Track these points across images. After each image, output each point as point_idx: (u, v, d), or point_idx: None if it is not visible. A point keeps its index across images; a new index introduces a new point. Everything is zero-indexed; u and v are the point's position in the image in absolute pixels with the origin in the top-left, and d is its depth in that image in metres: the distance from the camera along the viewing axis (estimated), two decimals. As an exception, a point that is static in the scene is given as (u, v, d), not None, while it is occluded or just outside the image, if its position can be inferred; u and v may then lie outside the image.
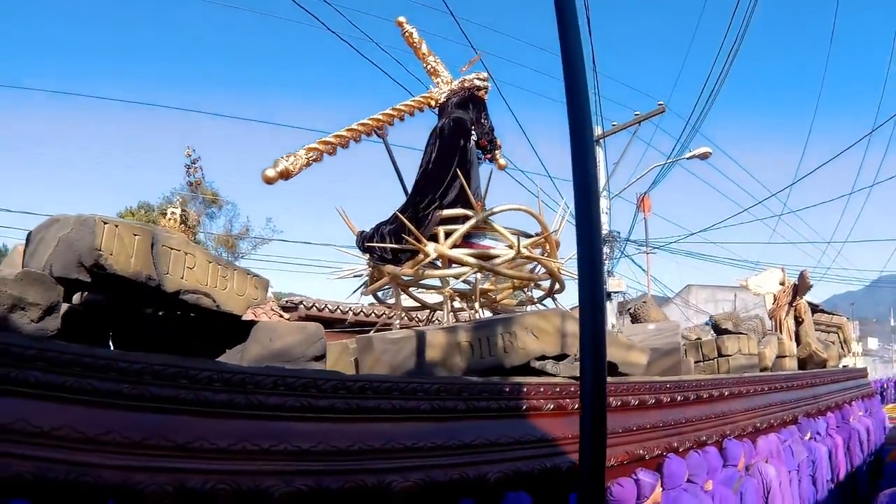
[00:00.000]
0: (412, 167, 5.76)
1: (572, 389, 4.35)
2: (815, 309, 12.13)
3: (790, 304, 10.74)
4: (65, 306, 3.16)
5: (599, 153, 18.27)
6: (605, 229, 17.52)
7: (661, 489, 4.48)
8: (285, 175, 4.34)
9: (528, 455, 3.77)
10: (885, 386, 29.62)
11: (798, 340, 10.71)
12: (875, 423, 10.89)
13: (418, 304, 6.35)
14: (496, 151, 6.12)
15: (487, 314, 5.69)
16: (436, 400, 3.45)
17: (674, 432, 5.12)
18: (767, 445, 6.18)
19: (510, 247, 5.18)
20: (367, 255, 5.38)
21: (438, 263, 5.19)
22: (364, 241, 5.26)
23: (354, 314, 11.89)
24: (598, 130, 18.17)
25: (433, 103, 5.76)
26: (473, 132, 5.74)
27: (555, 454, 3.93)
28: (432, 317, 7.10)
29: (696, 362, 7.48)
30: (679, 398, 5.38)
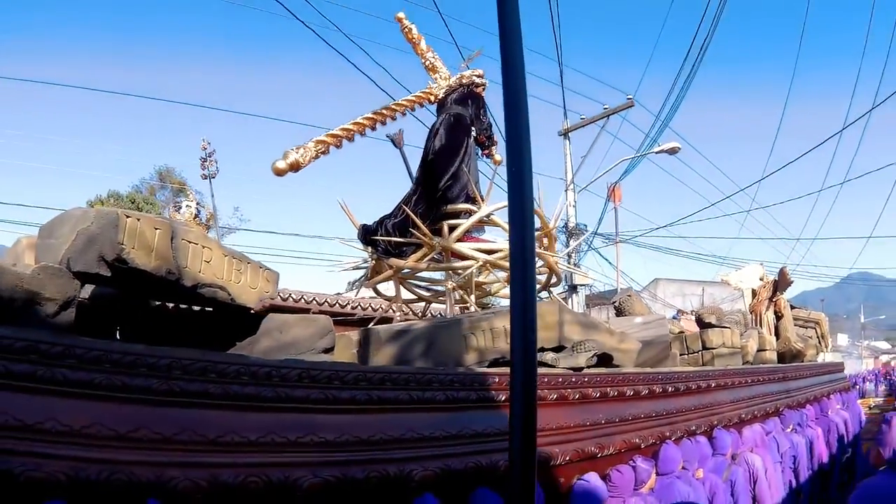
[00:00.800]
0: (412, 162, 5.71)
1: (573, 380, 4.33)
2: (791, 305, 12.27)
3: (770, 299, 10.83)
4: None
5: (566, 146, 18.19)
6: (571, 222, 17.39)
7: (656, 476, 4.47)
8: (295, 167, 4.25)
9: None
10: (856, 382, 30.11)
11: (777, 335, 10.81)
12: (852, 416, 10.96)
13: (415, 297, 6.28)
14: (493, 148, 6.07)
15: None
16: (450, 390, 3.40)
17: (666, 422, 5.14)
18: (753, 435, 6.20)
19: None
20: (370, 248, 5.31)
21: (439, 257, 5.13)
22: (367, 235, 5.18)
23: (330, 305, 11.67)
24: (565, 124, 18.11)
25: (432, 99, 5.68)
26: (473, 128, 5.68)
27: (560, 442, 3.91)
28: (427, 310, 7.05)
29: (680, 355, 7.50)
30: (671, 389, 5.40)
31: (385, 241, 4.97)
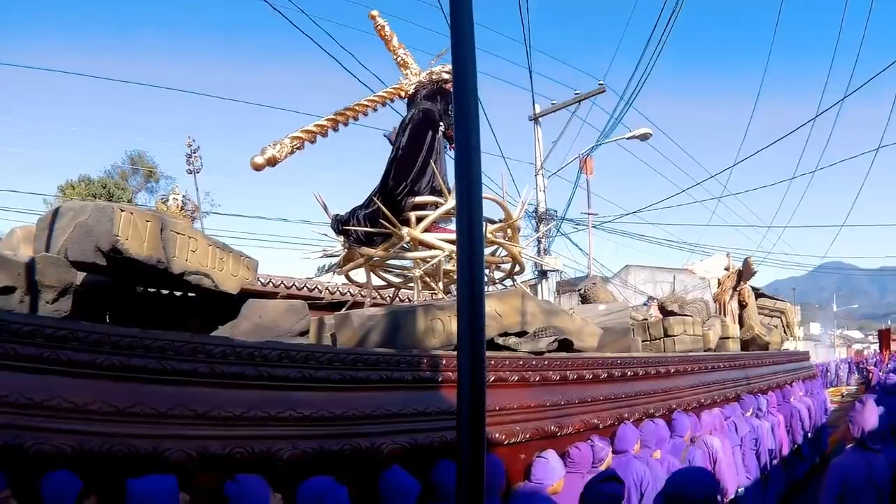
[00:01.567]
0: (382, 155, 5.89)
1: (534, 363, 4.58)
2: (758, 294, 12.52)
3: (734, 288, 11.11)
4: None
5: (537, 131, 18.17)
6: (541, 208, 17.28)
7: (612, 455, 4.72)
8: (272, 162, 4.42)
9: (491, 422, 4.00)
10: (828, 370, 30.46)
11: (741, 323, 11.08)
12: (816, 404, 11.18)
13: (384, 284, 6.49)
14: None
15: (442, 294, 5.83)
16: (417, 371, 3.63)
17: (624, 404, 5.38)
18: (711, 419, 6.42)
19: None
20: (342, 237, 5.50)
21: (408, 246, 5.34)
22: (340, 224, 5.37)
23: (298, 289, 11.73)
24: (536, 108, 18.10)
25: (403, 94, 5.87)
26: (441, 123, 5.88)
27: (521, 421, 4.16)
28: (396, 295, 7.26)
29: (643, 341, 7.74)
30: (629, 373, 5.66)
31: (357, 230, 5.16)
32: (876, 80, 11.75)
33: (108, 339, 2.39)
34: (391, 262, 5.97)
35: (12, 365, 2.19)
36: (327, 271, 6.41)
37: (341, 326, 4.62)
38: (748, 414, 7.81)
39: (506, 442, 3.92)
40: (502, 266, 6.00)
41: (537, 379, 4.55)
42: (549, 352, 4.95)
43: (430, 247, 5.39)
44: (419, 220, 5.16)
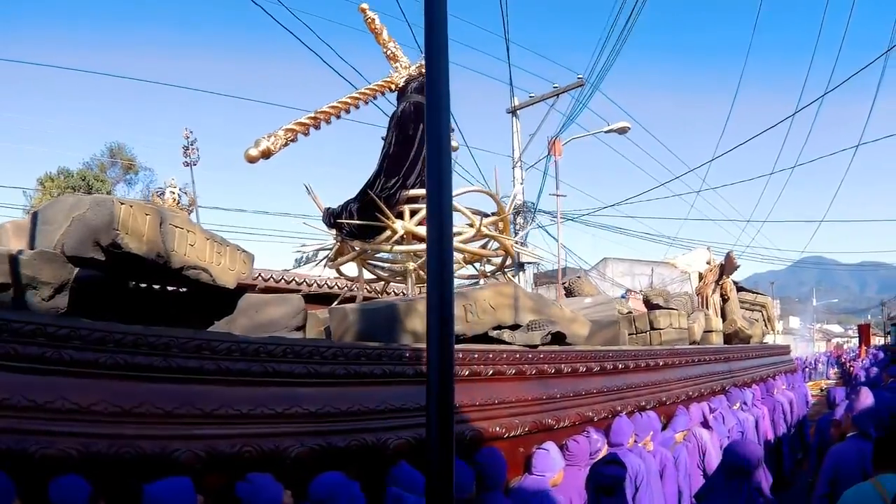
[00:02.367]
0: (373, 148, 5.80)
1: (529, 356, 4.54)
2: (738, 288, 12.55)
3: (717, 282, 11.14)
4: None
5: (515, 124, 18.08)
6: (519, 199, 17.19)
7: (607, 447, 4.70)
8: (266, 154, 4.32)
9: (492, 416, 3.94)
10: (807, 363, 30.78)
11: (724, 317, 11.11)
12: (798, 397, 11.22)
13: (374, 277, 6.41)
14: (451, 134, 6.14)
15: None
16: (418, 365, 3.56)
17: (617, 397, 5.37)
18: (700, 412, 6.45)
19: (470, 225, 5.30)
20: (334, 231, 5.41)
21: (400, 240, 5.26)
22: (332, 218, 5.28)
23: (276, 280, 11.59)
24: (514, 101, 18.03)
25: (393, 87, 5.78)
26: (432, 116, 5.75)
27: (519, 414, 4.11)
28: (385, 289, 7.18)
29: (629, 334, 7.71)
30: (621, 366, 5.65)
31: (350, 224, 5.08)
32: (856, 77, 11.82)
33: (111, 337, 2.29)
34: (380, 255, 5.89)
35: (13, 366, 2.08)
36: (306, 263, 6.32)
37: (336, 320, 4.54)
38: (735, 407, 7.83)
39: (505, 435, 3.88)
40: (493, 259, 5.95)
41: (534, 372, 4.51)
42: (543, 345, 4.92)
43: (423, 240, 5.32)
44: (413, 213, 5.09)
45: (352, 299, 6.06)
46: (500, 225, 5.64)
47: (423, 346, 3.80)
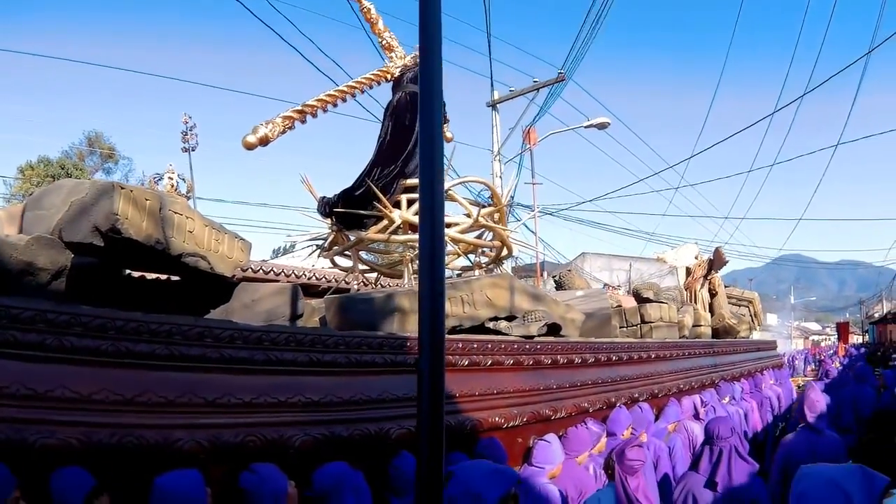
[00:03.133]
0: (370, 137, 5.74)
1: (527, 347, 4.50)
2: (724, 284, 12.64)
3: (705, 277, 11.18)
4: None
5: (495, 118, 17.93)
6: (500, 191, 17.06)
7: (605, 438, 4.68)
8: (264, 141, 4.25)
9: (491, 406, 3.91)
10: (784, 360, 31.06)
11: (712, 311, 11.18)
12: (784, 392, 11.18)
13: (368, 268, 6.35)
14: (445, 125, 6.14)
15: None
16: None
17: (611, 388, 5.37)
18: (691, 404, 6.43)
19: (467, 215, 5.25)
20: (329, 220, 5.34)
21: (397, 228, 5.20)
22: (327, 207, 5.21)
23: (255, 271, 11.53)
24: (495, 95, 17.90)
25: (389, 77, 5.72)
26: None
27: (518, 405, 4.08)
28: (379, 279, 7.11)
29: (619, 327, 7.72)
30: (615, 358, 5.64)
31: (346, 213, 5.01)
32: (838, 77, 11.86)
33: (112, 324, 2.23)
34: (373, 245, 5.83)
35: (13, 353, 2.02)
36: (284, 254, 6.25)
37: (332, 310, 4.49)
38: (725, 401, 7.84)
39: (504, 426, 3.85)
40: (488, 251, 5.89)
41: (531, 363, 4.48)
42: (539, 336, 4.90)
43: (420, 230, 5.26)
44: (410, 202, 5.03)
45: (346, 290, 6.00)
46: (496, 216, 5.60)
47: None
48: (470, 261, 6.13)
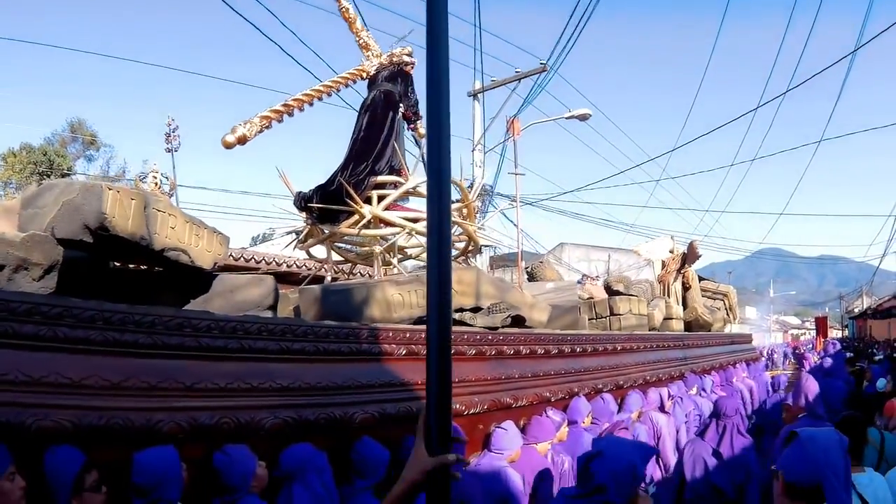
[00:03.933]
0: (344, 134, 5.97)
1: (489, 338, 4.76)
2: (700, 278, 12.74)
3: (678, 270, 11.36)
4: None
5: (475, 108, 17.96)
6: (478, 183, 17.01)
7: (566, 427, 4.95)
8: (242, 140, 4.47)
9: (456, 393, 4.16)
10: (763, 354, 31.44)
11: (685, 305, 11.35)
12: (758, 385, 11.39)
13: (342, 259, 6.60)
14: (418, 123, 6.39)
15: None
16: (384, 344, 3.79)
17: (574, 379, 5.62)
18: (657, 397, 6.66)
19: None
20: (305, 214, 5.58)
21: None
22: (303, 201, 5.45)
23: (256, 262, 11.78)
24: (477, 85, 17.96)
25: (364, 76, 5.94)
26: (401, 104, 5.99)
27: (478, 393, 4.35)
28: (352, 270, 7.37)
29: (589, 319, 7.92)
30: (579, 349, 5.89)
31: (321, 208, 5.26)
32: (821, 75, 12.07)
33: (100, 316, 2.47)
34: (348, 238, 6.08)
35: (11, 343, 2.24)
36: (263, 241, 6.47)
37: (305, 301, 4.73)
38: (692, 392, 8.00)
39: (465, 413, 4.09)
40: (456, 245, 6.16)
41: (493, 353, 4.72)
42: (504, 327, 5.15)
43: (389, 224, 5.51)
44: (380, 198, 5.28)
45: (321, 279, 6.24)
46: (465, 211, 5.86)
47: (388, 325, 4.04)
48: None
